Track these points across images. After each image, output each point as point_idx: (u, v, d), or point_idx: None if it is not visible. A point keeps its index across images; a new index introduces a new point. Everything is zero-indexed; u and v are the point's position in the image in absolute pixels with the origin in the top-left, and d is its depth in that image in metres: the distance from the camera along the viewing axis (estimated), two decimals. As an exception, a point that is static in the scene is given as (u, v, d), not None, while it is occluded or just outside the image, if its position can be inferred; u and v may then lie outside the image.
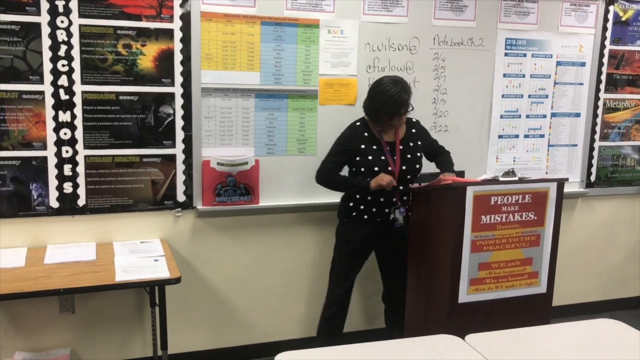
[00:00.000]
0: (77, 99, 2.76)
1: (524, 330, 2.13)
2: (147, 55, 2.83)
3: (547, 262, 2.82)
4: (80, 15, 2.71)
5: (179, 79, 2.89)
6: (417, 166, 2.93)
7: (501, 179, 2.75)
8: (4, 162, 2.71)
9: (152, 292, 2.94)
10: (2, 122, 2.68)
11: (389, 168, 2.83)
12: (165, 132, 2.92)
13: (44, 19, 2.66)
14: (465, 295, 2.66)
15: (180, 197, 3.00)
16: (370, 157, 2.83)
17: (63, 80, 2.73)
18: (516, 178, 2.76)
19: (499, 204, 2.67)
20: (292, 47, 3.05)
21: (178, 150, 2.95)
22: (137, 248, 2.85)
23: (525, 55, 3.54)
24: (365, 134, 2.86)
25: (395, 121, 2.80)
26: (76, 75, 2.74)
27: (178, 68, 2.89)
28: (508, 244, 2.72)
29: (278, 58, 3.04)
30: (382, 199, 2.88)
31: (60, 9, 2.68)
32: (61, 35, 2.70)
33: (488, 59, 3.44)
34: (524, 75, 3.56)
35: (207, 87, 2.95)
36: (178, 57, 2.88)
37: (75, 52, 2.73)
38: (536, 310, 2.82)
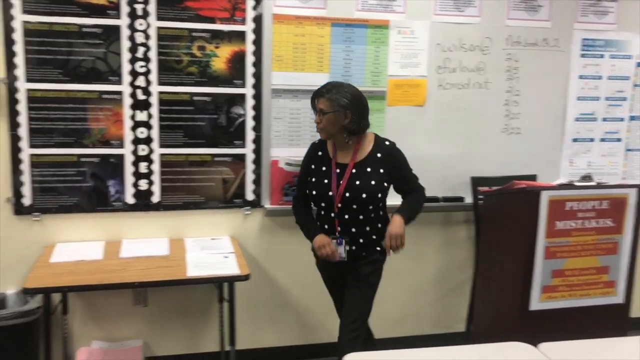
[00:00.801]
0: (154, 99, 2.86)
1: (600, 342, 2.06)
2: (221, 57, 2.90)
3: (625, 271, 2.71)
4: (158, 18, 2.80)
5: (250, 80, 2.95)
6: (365, 195, 2.46)
7: (577, 183, 2.66)
8: (85, 159, 2.83)
9: (221, 288, 3.00)
10: (84, 121, 2.80)
11: (330, 193, 2.50)
12: (236, 132, 2.97)
13: (123, 22, 2.77)
14: (537, 302, 2.59)
15: (249, 196, 3.05)
16: (314, 179, 2.57)
17: (141, 81, 2.83)
18: (594, 183, 2.66)
19: (574, 210, 2.58)
20: (362, 48, 3.05)
21: (248, 150, 3.01)
22: (208, 244, 2.92)
23: (602, 56, 3.40)
24: (319, 153, 2.61)
25: (317, 120, 2.51)
26: (153, 76, 2.84)
27: (250, 70, 2.94)
28: (583, 251, 2.63)
29: (347, 59, 3.05)
30: (326, 226, 2.58)
31: (139, 12, 2.78)
32: (139, 38, 2.80)
33: (563, 60, 3.33)
34: (600, 77, 3.43)
35: (277, 88, 2.99)
36: (250, 59, 2.93)
37: (153, 54, 2.82)
38: (612, 321, 2.71)
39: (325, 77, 3.03)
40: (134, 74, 2.81)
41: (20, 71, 2.70)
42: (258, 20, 2.91)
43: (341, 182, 2.49)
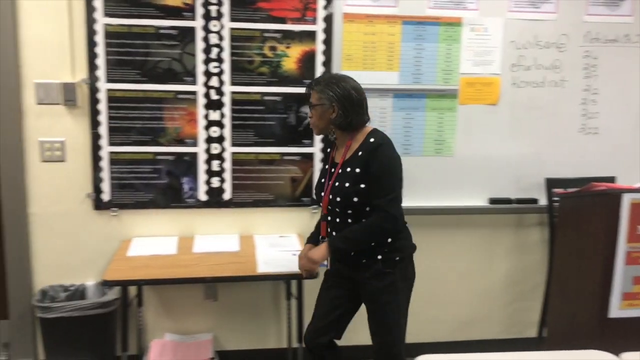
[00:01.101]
0: (226, 99, 2.92)
1: (688, 353, 1.94)
2: (291, 57, 2.93)
3: None
4: (231, 19, 2.86)
5: (320, 79, 2.96)
6: (339, 199, 2.27)
7: (662, 186, 2.53)
8: (160, 157, 2.92)
9: (288, 285, 3.03)
10: (160, 120, 2.89)
11: (322, 194, 2.37)
12: (305, 131, 3.00)
13: (198, 23, 2.84)
14: (617, 310, 2.47)
15: (317, 195, 3.07)
16: (318, 179, 2.48)
17: (214, 81, 2.89)
18: (679, 186, 2.52)
19: (659, 214, 2.45)
20: (433, 46, 3.01)
21: (316, 149, 3.02)
22: (276, 242, 2.96)
23: (689, 51, 3.22)
24: (328, 150, 2.54)
25: (309, 115, 2.39)
26: (226, 77, 2.90)
27: (319, 69, 2.95)
28: (668, 257, 2.49)
29: (418, 57, 3.01)
30: (321, 231, 2.44)
31: (214, 14, 2.84)
32: (213, 39, 2.86)
33: (646, 56, 3.17)
34: (687, 74, 3.24)
35: (346, 87, 2.99)
36: (320, 59, 2.94)
37: (226, 55, 2.88)
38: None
39: (395, 76, 3.01)
40: (208, 74, 2.88)
41: (101, 72, 2.81)
42: (329, 19, 2.92)
43: (329, 182, 2.34)
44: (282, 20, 2.89)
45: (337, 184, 2.28)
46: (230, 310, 3.12)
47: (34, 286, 2.94)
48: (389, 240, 2.29)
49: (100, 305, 2.78)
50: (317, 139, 3.00)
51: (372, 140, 2.26)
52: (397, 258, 2.30)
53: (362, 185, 2.23)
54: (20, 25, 2.73)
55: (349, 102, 2.26)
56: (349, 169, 2.27)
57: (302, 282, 2.67)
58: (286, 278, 2.79)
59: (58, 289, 2.93)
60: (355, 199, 2.25)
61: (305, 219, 3.08)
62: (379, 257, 2.29)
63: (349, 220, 2.30)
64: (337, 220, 2.33)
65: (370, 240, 2.26)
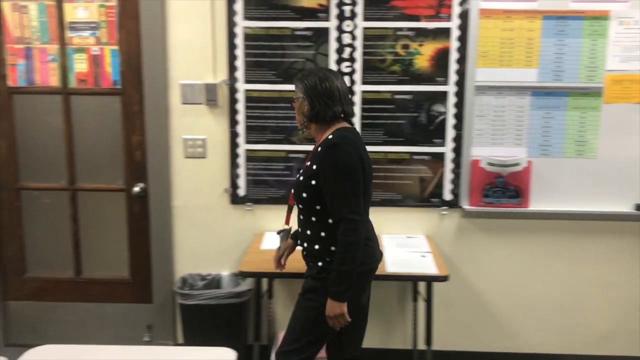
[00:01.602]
0: (357, 98, 2.94)
1: None
2: (424, 55, 2.89)
3: None
4: (364, 19, 2.87)
5: (453, 77, 2.90)
6: (292, 191, 2.24)
7: None
8: (293, 154, 3.01)
9: (415, 286, 3.00)
10: (293, 119, 2.96)
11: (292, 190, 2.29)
12: (436, 130, 2.94)
13: (332, 24, 2.88)
14: None
15: (447, 196, 3.00)
16: None
17: (346, 81, 2.92)
18: None
19: None
20: (576, 42, 2.83)
21: (447, 149, 2.96)
22: (404, 242, 2.94)
23: None
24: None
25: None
26: (357, 76, 2.92)
27: (453, 67, 2.89)
28: None
29: (559, 54, 2.85)
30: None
31: (347, 14, 2.87)
32: (346, 39, 2.89)
33: None
34: None
35: (481, 85, 2.90)
36: (454, 56, 2.88)
37: (358, 54, 2.90)
38: None
39: (534, 73, 2.87)
40: (340, 74, 2.91)
41: (240, 73, 2.94)
42: (464, 16, 2.84)
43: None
44: (416, 18, 2.86)
45: (300, 178, 2.21)
46: (356, 308, 3.14)
47: (175, 274, 3.14)
48: (332, 249, 2.11)
49: (235, 295, 2.91)
50: (449, 138, 2.94)
51: (330, 137, 2.12)
52: (321, 272, 2.16)
53: (313, 182, 2.12)
54: (169, 30, 2.93)
55: (314, 93, 2.15)
56: (308, 164, 2.18)
57: (431, 283, 2.63)
58: (415, 279, 2.76)
59: (196, 277, 3.11)
60: (304, 195, 2.15)
61: (434, 220, 3.03)
62: (320, 263, 2.17)
63: (301, 217, 2.24)
64: (299, 215, 2.26)
65: (350, 259, 2.05)
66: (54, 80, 3.04)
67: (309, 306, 2.19)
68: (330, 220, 2.12)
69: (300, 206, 2.22)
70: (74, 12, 2.97)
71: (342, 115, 2.19)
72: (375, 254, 2.27)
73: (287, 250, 2.41)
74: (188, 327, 3.01)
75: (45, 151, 3.13)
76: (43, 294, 3.26)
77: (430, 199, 3.01)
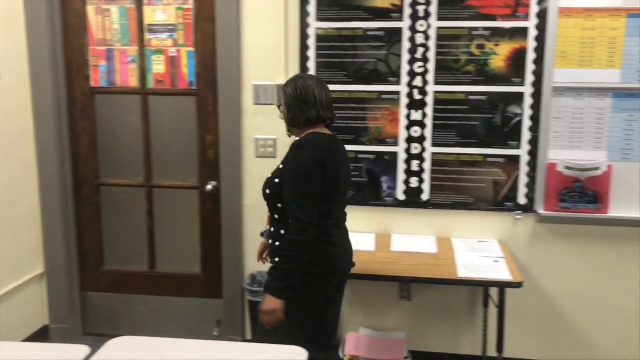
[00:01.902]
0: (429, 99, 2.90)
1: None
2: (500, 55, 2.82)
3: None
4: (438, 19, 2.83)
5: (529, 78, 2.81)
6: (263, 191, 2.26)
7: None
8: (362, 155, 3.00)
9: (486, 292, 2.94)
10: (363, 120, 2.97)
11: None
12: (511, 132, 2.87)
13: (405, 24, 2.86)
14: None
15: (521, 200, 2.92)
16: None
17: (418, 81, 2.89)
18: None
19: None
20: (664, 41, 2.70)
21: (523, 152, 2.88)
22: (476, 247, 2.88)
23: None
24: None
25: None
26: (430, 76, 2.88)
27: (530, 67, 2.80)
28: None
29: (645, 53, 2.73)
30: None
31: (421, 14, 2.84)
32: (419, 39, 2.86)
33: None
34: None
35: (558, 86, 2.80)
36: (531, 56, 2.80)
37: (431, 54, 2.86)
38: None
39: (616, 74, 2.75)
40: (412, 74, 2.89)
41: (311, 74, 2.96)
42: (542, 15, 2.75)
43: None
44: (492, 18, 2.79)
45: (269, 175, 2.27)
46: (424, 312, 3.10)
47: (244, 270, 3.20)
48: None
49: (302, 294, 2.93)
50: (525, 140, 2.86)
51: (297, 139, 2.20)
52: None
53: (277, 180, 2.18)
54: (243, 32, 2.98)
55: (290, 99, 2.21)
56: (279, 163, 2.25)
57: (504, 291, 2.56)
58: (488, 285, 2.70)
59: (265, 274, 3.15)
60: (268, 191, 2.22)
61: (508, 225, 2.95)
62: (276, 259, 2.21)
63: (268, 214, 2.28)
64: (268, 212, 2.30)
65: (294, 258, 2.11)
66: (133, 81, 3.15)
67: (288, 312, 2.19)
68: (283, 216, 2.18)
69: (267, 203, 2.27)
70: (153, 15, 3.08)
71: (318, 120, 2.22)
72: (337, 259, 2.27)
73: (266, 249, 2.45)
74: (256, 323, 3.05)
75: (124, 149, 3.25)
76: (119, 286, 3.40)
77: (503, 203, 2.94)
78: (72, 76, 3.20)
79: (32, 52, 3.10)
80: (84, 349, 1.77)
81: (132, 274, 3.37)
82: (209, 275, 3.29)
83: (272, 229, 2.26)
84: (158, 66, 3.12)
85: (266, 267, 3.12)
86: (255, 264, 3.17)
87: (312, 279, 2.19)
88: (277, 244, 2.22)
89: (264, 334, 2.25)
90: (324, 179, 2.12)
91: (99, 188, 3.31)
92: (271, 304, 2.15)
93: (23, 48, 3.11)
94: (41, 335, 3.33)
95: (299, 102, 2.20)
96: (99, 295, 3.43)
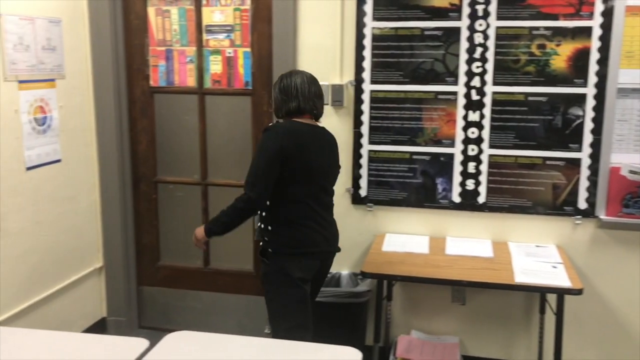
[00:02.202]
0: (487, 100, 2.85)
1: None
2: (561, 55, 2.74)
3: None
4: (498, 18, 2.78)
5: (592, 79, 2.73)
6: None
7: None
8: (417, 156, 2.97)
9: (543, 298, 2.86)
10: (419, 120, 2.94)
11: None
12: (572, 134, 2.79)
13: (464, 23, 2.81)
14: None
15: (582, 204, 2.83)
16: None
17: (476, 82, 2.85)
18: None
19: None
20: None
21: (584, 155, 2.79)
22: (533, 251, 2.81)
23: None
24: None
25: None
26: (488, 77, 2.83)
27: (593, 68, 2.72)
28: None
29: None
30: None
31: (480, 13, 2.79)
32: (478, 38, 2.81)
33: None
34: None
35: (624, 87, 2.71)
36: (594, 56, 2.71)
37: (490, 54, 2.81)
38: None
39: (687, 75, 2.64)
40: (470, 74, 2.84)
41: (366, 74, 2.95)
42: (608, 14, 2.66)
43: None
44: (554, 17, 2.72)
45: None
46: (478, 316, 3.05)
47: (296, 270, 3.22)
48: (269, 228, 2.35)
49: (354, 294, 2.93)
50: (586, 143, 2.77)
51: (269, 124, 2.38)
52: (270, 250, 2.36)
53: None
54: (299, 32, 3.00)
55: (276, 93, 2.38)
56: None
57: (563, 297, 2.49)
58: (546, 291, 2.63)
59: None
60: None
61: (567, 230, 2.87)
62: (261, 243, 2.40)
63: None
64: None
65: (231, 219, 2.35)
66: (191, 81, 3.21)
67: (268, 294, 2.41)
68: (268, 202, 2.33)
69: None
70: (211, 16, 3.13)
71: (299, 111, 2.35)
72: (314, 240, 2.37)
73: None
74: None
75: (181, 148, 3.32)
76: (173, 281, 3.47)
77: (563, 207, 2.86)
78: (133, 76, 3.29)
79: (95, 52, 3.21)
80: (143, 342, 1.82)
81: (186, 270, 3.44)
82: (261, 273, 3.32)
83: (259, 222, 2.44)
84: (215, 66, 3.17)
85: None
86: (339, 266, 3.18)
87: (295, 258, 2.34)
88: (261, 225, 2.40)
89: (268, 301, 2.43)
90: (286, 162, 2.25)
91: (156, 185, 3.40)
92: (199, 233, 2.44)
93: (87, 49, 3.22)
94: (99, 327, 3.44)
95: (282, 94, 2.36)
96: (154, 290, 3.51)
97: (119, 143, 3.29)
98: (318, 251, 2.39)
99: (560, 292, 2.45)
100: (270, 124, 2.38)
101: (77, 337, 1.96)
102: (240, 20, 3.11)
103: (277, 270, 2.34)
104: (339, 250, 2.51)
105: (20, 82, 2.77)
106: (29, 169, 2.85)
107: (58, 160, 3.05)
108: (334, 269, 3.14)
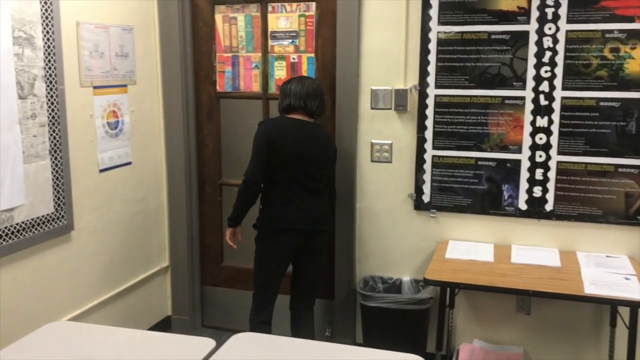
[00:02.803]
0: (556, 105, 2.78)
1: None
2: (636, 59, 2.64)
3: None
4: (568, 21, 2.70)
5: (670, 83, 2.62)
6: None
7: None
8: (482, 162, 2.92)
9: (615, 310, 2.76)
10: (485, 126, 2.89)
11: None
12: (647, 141, 2.68)
13: (532, 27, 2.75)
14: None
15: (657, 214, 2.72)
16: None
17: (544, 86, 2.78)
18: None
19: None
20: None
21: (660, 162, 2.68)
22: (603, 262, 2.71)
23: None
24: None
25: None
26: (557, 81, 2.76)
27: (671, 71, 2.61)
28: None
29: None
30: None
31: (549, 16, 2.72)
32: (547, 42, 2.74)
33: None
34: None
35: None
36: (673, 60, 2.60)
37: (559, 58, 2.74)
38: None
39: None
40: (538, 79, 2.78)
41: (431, 79, 2.93)
42: (688, 15, 2.55)
43: None
44: (630, 19, 2.62)
45: None
46: (543, 327, 2.97)
47: (356, 274, 3.22)
48: (260, 207, 2.80)
49: (416, 301, 2.91)
50: (663, 151, 2.66)
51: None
52: (256, 223, 2.82)
53: None
54: (363, 38, 3.01)
55: (280, 94, 2.81)
56: None
57: (637, 311, 2.39)
58: (618, 303, 2.53)
59: (377, 279, 3.16)
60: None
61: (639, 240, 2.76)
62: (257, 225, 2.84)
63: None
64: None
65: (237, 201, 2.80)
66: (256, 86, 3.28)
67: (256, 254, 2.85)
68: (262, 185, 2.74)
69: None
70: (277, 22, 3.18)
71: (291, 108, 2.73)
72: (291, 218, 2.72)
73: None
74: (367, 327, 3.07)
75: (245, 151, 3.36)
76: (235, 281, 3.54)
77: (636, 217, 2.74)
78: (200, 81, 3.38)
79: (165, 59, 3.32)
80: (209, 342, 1.86)
81: (248, 271, 3.47)
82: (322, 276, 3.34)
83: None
84: (280, 72, 3.22)
85: (378, 271, 3.16)
86: (367, 268, 3.19)
87: (273, 234, 2.76)
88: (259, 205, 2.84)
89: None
90: (271, 148, 2.65)
91: (221, 187, 3.48)
92: (227, 230, 2.93)
93: (156, 55, 3.33)
94: (164, 325, 3.55)
95: (282, 94, 2.77)
96: (217, 290, 3.59)
97: (186, 146, 3.39)
98: (295, 228, 2.72)
99: (635, 306, 2.36)
100: (263, 119, 2.86)
101: (146, 335, 2.03)
102: (305, 26, 3.14)
103: (260, 240, 2.81)
104: (326, 231, 2.83)
105: (95, 87, 2.90)
106: (101, 171, 2.98)
107: (129, 163, 3.17)
108: (395, 275, 3.14)
